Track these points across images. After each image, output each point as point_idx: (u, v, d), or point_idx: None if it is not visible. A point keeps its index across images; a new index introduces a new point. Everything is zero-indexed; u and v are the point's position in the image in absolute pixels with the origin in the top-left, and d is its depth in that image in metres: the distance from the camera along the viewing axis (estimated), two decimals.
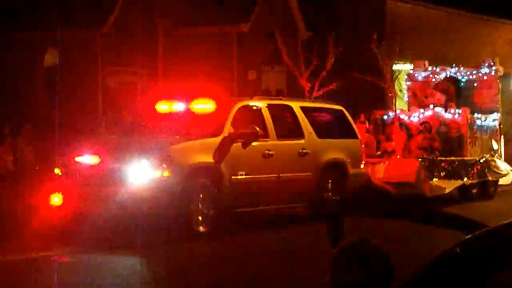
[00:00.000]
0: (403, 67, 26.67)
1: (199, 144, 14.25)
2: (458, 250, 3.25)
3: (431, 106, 21.65)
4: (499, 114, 22.42)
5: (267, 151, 15.27)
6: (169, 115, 15.50)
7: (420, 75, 23.00)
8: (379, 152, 20.42)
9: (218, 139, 14.38)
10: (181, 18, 25.34)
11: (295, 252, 13.00)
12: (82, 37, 23.31)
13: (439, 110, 21.43)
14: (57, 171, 14.04)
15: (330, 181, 16.68)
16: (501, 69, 22.55)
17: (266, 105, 15.69)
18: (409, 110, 22.00)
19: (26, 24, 23.54)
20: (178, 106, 15.45)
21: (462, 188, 20.34)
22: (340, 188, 16.83)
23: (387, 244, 3.73)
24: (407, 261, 4.27)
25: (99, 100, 23.46)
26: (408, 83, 23.20)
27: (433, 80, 22.76)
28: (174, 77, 24.03)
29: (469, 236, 3.33)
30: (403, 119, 21.64)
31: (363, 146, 20.03)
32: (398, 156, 19.93)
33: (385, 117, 21.84)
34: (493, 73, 22.48)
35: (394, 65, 26.54)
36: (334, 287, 3.46)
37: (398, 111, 22.05)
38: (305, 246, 13.47)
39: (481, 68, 22.69)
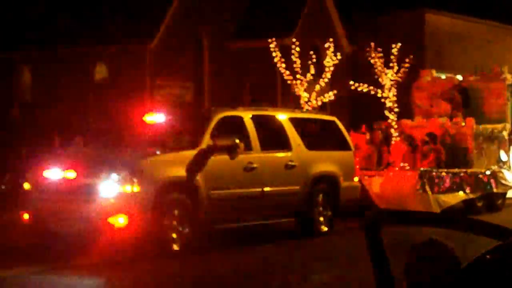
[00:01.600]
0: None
1: (173, 157, 13.64)
2: (488, 257, 3.38)
3: (436, 116, 20.90)
4: (508, 124, 21.59)
5: (249, 164, 14.62)
6: (150, 127, 14.95)
7: (427, 85, 22.25)
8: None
9: (194, 152, 13.77)
10: (226, 32, 26.28)
11: (269, 273, 12.35)
12: (131, 52, 24.43)
13: (444, 120, 20.67)
14: (26, 186, 13.51)
15: (320, 194, 16.00)
16: (509, 77, 21.73)
17: (251, 116, 15.05)
18: (412, 121, 21.24)
19: (77, 39, 24.75)
20: (158, 118, 14.89)
21: (468, 201, 19.53)
22: (331, 202, 16.15)
23: None
24: None
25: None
26: (416, 93, 22.45)
27: (441, 89, 22.02)
28: (219, 89, 24.98)
29: (501, 243, 3.47)
30: (407, 130, 20.92)
31: (366, 157, 19.38)
32: (396, 169, 19.18)
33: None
34: (501, 81, 21.67)
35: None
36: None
37: (403, 122, 21.29)
38: (281, 266, 12.82)
39: (490, 77, 21.90)
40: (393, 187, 18.19)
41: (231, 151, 14.05)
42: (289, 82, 20.00)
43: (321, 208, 16.01)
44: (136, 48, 24.45)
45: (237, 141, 14.06)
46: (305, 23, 27.89)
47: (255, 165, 14.71)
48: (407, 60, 19.10)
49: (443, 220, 4.57)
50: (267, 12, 27.62)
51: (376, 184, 18.31)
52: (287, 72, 19.76)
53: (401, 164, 19.11)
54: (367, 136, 19.93)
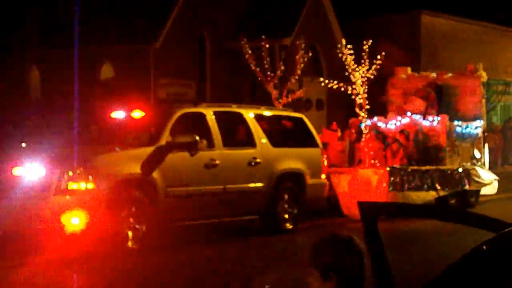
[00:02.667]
0: None
1: (130, 153, 13.49)
2: (485, 248, 3.46)
3: (409, 113, 20.74)
4: (482, 122, 21.44)
5: (211, 161, 14.46)
6: (112, 124, 14.81)
7: (402, 82, 22.10)
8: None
9: (151, 149, 13.61)
10: (227, 32, 26.90)
11: (225, 271, 12.21)
12: (135, 52, 25.32)
13: (417, 117, 20.51)
14: None
15: (285, 192, 15.84)
16: (484, 75, 21.58)
17: (212, 112, 14.90)
18: (386, 118, 21.06)
19: (83, 38, 24.78)
20: (119, 115, 14.74)
21: (440, 199, 19.38)
22: (297, 200, 16.00)
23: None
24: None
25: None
26: (390, 90, 22.29)
27: (416, 87, 21.86)
28: (221, 87, 25.80)
29: (496, 235, 3.58)
30: (380, 127, 20.77)
31: (337, 154, 19.25)
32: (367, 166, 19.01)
33: (362, 125, 20.96)
34: (476, 79, 21.51)
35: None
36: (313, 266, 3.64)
37: (375, 118, 21.12)
38: (239, 264, 12.67)
39: (464, 74, 21.75)
40: (362, 185, 18.02)
41: (191, 148, 13.91)
42: (261, 80, 19.84)
43: (286, 206, 15.86)
44: (140, 48, 25.28)
45: (197, 138, 13.92)
46: (303, 24, 28.42)
47: (217, 162, 14.56)
48: (378, 57, 18.92)
49: (438, 212, 4.65)
50: (267, 13, 28.19)
51: (344, 182, 18.15)
52: (272, 73, 19.61)
53: (372, 162, 18.95)
54: (339, 133, 19.77)
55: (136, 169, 13.21)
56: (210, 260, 12.99)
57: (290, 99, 19.44)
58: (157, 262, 12.71)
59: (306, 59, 20.02)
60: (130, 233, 13.09)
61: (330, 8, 29.88)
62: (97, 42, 25.60)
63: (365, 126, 19.18)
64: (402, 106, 21.32)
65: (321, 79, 19.48)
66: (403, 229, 15.64)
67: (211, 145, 14.61)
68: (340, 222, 17.56)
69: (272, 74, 19.76)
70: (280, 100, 19.36)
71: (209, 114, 14.80)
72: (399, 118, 20.69)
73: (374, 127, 20.65)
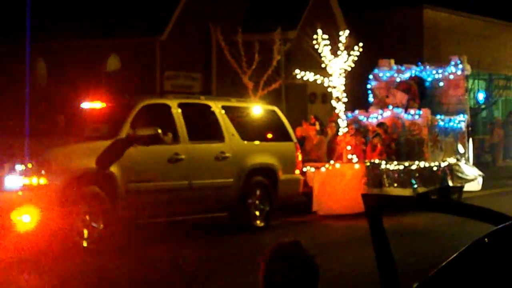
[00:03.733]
0: None
1: (87, 147, 12.74)
2: (486, 240, 3.57)
3: (390, 106, 20.04)
4: (466, 116, 20.73)
5: (175, 155, 13.73)
6: (71, 115, 14.08)
7: (385, 75, 21.38)
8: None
9: (110, 142, 12.87)
10: (232, 25, 26.38)
11: (184, 271, 11.50)
12: (142, 44, 25.56)
13: (399, 111, 19.80)
14: None
15: (256, 188, 15.12)
16: (468, 67, 20.86)
17: (178, 104, 14.15)
18: (367, 111, 20.36)
19: (90, 31, 25.58)
20: (81, 106, 14.00)
21: (420, 195, 18.68)
22: (269, 196, 15.28)
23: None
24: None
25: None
26: (374, 83, 21.57)
27: (398, 79, 21.15)
28: (227, 80, 25.32)
29: (497, 227, 3.66)
30: (361, 121, 20.09)
31: (315, 148, 18.57)
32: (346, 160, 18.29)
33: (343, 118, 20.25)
34: (459, 72, 20.79)
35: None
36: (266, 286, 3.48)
37: (356, 112, 20.42)
38: (203, 263, 11.96)
39: (448, 66, 21.03)
40: (338, 181, 17.30)
41: (153, 141, 13.19)
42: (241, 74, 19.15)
43: (257, 202, 15.15)
44: (146, 40, 25.38)
45: (159, 130, 13.20)
46: (308, 17, 28.35)
47: (181, 157, 13.83)
48: (356, 48, 18.21)
49: (442, 205, 4.66)
50: (272, 6, 28.29)
51: (320, 178, 17.42)
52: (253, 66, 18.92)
53: (349, 157, 18.24)
54: (317, 126, 19.04)
55: (93, 163, 12.46)
56: (170, 260, 12.26)
57: (266, 92, 18.69)
58: (113, 263, 11.97)
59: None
60: (85, 232, 12.34)
61: (335, 1, 30.11)
62: (104, 34, 25.84)
63: (345, 120, 18.48)
64: (384, 100, 20.61)
65: (297, 71, 18.64)
66: (407, 222, 15.13)
67: (176, 139, 13.88)
68: (313, 219, 16.86)
69: (247, 66, 19.04)
70: (257, 93, 18.62)
71: (174, 105, 14.06)
72: (380, 111, 20.00)
73: (355, 121, 19.98)
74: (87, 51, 26.23)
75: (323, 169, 17.50)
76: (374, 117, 19.95)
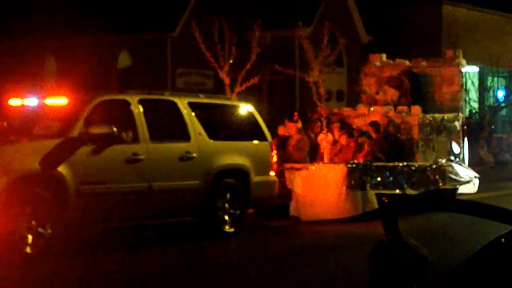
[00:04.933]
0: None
1: (33, 146, 11.83)
2: (503, 240, 3.70)
3: (381, 104, 19.02)
4: (461, 114, 19.68)
5: (133, 156, 12.80)
6: (20, 112, 13.17)
7: (376, 70, 20.36)
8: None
9: (60, 140, 11.96)
10: (245, 22, 26.08)
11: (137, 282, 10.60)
12: (153, 41, 25.32)
13: (388, 108, 18.77)
14: None
15: (226, 190, 14.17)
16: (463, 62, 19.80)
17: (138, 100, 13.21)
18: (354, 108, 19.35)
19: (102, 27, 25.19)
20: (29, 102, 13.10)
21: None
22: (240, 199, 14.33)
23: None
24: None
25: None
26: (364, 79, 20.56)
27: (390, 75, 20.12)
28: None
29: None
30: (347, 118, 19.07)
31: (296, 148, 17.62)
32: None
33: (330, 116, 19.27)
34: (454, 67, 19.75)
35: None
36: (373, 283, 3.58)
37: (343, 109, 19.43)
38: (158, 273, 11.04)
39: (442, 61, 19.99)
40: (318, 183, 16.30)
41: (108, 140, 12.29)
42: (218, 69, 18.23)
43: (227, 206, 14.20)
44: (159, 37, 25.26)
45: (114, 129, 12.28)
46: (323, 14, 28.55)
47: (141, 157, 12.90)
48: (340, 41, 17.24)
49: (459, 205, 4.53)
50: (286, 2, 28.33)
51: (299, 180, 16.43)
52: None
53: (335, 156, 17.26)
54: (299, 124, 18.04)
55: (37, 163, 11.55)
56: (122, 270, 11.34)
57: (244, 87, 17.74)
58: (57, 270, 11.07)
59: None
60: (30, 237, 11.43)
61: None
62: (115, 31, 25.65)
63: (327, 117, 17.50)
64: (374, 97, 19.59)
65: (276, 66, 17.68)
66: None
67: (135, 138, 12.96)
68: (292, 224, 15.89)
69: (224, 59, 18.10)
70: (234, 89, 17.68)
71: (134, 102, 13.13)
72: (371, 109, 18.98)
73: (342, 119, 18.99)
74: (98, 47, 25.90)
75: (303, 170, 16.52)
76: (361, 115, 18.95)
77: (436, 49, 31.54)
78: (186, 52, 25.13)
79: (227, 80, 17.47)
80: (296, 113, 18.20)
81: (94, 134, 12.12)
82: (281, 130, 18.15)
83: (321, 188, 16.16)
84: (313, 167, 16.58)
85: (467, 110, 34.41)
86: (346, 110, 19.27)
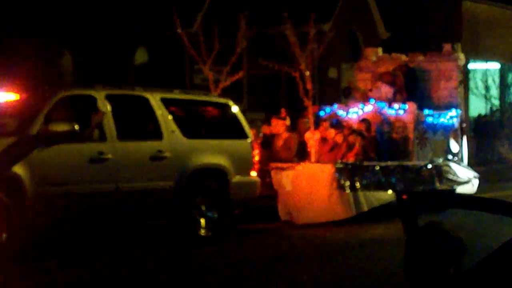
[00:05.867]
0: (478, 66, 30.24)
1: None
2: None
3: (372, 100, 18.11)
4: (459, 111, 18.73)
5: (98, 155, 11.95)
6: None
7: (371, 65, 19.45)
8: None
9: (15, 139, 11.12)
10: (264, 17, 26.14)
11: None
12: (170, 37, 23.97)
13: (382, 105, 17.86)
14: None
15: (202, 192, 13.30)
16: (462, 57, 18.86)
17: (105, 95, 12.35)
18: (346, 105, 18.43)
19: (118, 23, 25.07)
20: None
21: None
22: (218, 202, 13.46)
23: None
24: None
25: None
26: (358, 74, 19.65)
27: (386, 70, 19.19)
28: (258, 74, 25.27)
29: None
30: (340, 116, 18.18)
31: (284, 147, 16.76)
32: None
33: (322, 113, 18.39)
34: (452, 61, 18.81)
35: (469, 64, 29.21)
36: (409, 268, 3.70)
37: (335, 106, 18.52)
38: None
39: (439, 55, 19.04)
40: (307, 183, 15.43)
41: (69, 138, 11.45)
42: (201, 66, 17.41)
43: (203, 208, 13.34)
44: (176, 33, 24.05)
45: (76, 126, 11.44)
46: (342, 10, 28.35)
47: (107, 156, 12.04)
48: (327, 34, 16.35)
49: (481, 203, 4.46)
50: None
51: (286, 180, 15.54)
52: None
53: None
54: (287, 122, 17.13)
55: None
56: (80, 279, 10.49)
57: (228, 83, 16.87)
58: (14, 277, 10.22)
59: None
60: None
61: None
62: (132, 26, 25.21)
63: (315, 114, 16.61)
64: (367, 93, 18.67)
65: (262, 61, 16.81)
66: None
67: (102, 136, 12.11)
68: (277, 227, 15.02)
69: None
70: (218, 84, 16.80)
71: (101, 98, 12.27)
72: (361, 106, 18.08)
73: (334, 116, 18.11)
74: (115, 43, 25.50)
75: (290, 170, 15.64)
76: (354, 112, 18.05)
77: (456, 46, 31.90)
78: (203, 48, 25.13)
79: (210, 76, 16.57)
80: (283, 110, 17.27)
81: (54, 131, 11.28)
82: (266, 129, 17.27)
83: (309, 189, 15.28)
84: (300, 167, 15.69)
85: (488, 107, 33.87)
86: (338, 107, 18.34)
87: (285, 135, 16.88)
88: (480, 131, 32.64)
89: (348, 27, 28.52)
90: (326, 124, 17.23)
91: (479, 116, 33.46)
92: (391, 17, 30.32)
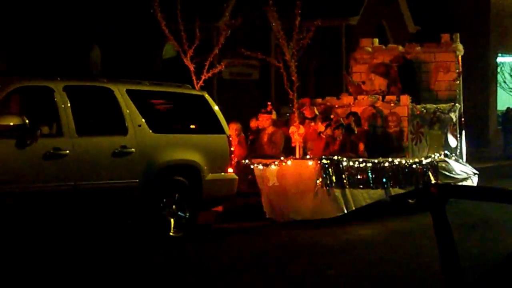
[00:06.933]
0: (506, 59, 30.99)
1: None
2: None
3: (365, 93, 17.20)
4: (458, 104, 17.77)
5: (54, 151, 11.13)
6: None
7: (367, 56, 18.52)
8: None
9: None
10: (292, 11, 24.74)
11: None
12: (199, 30, 22.32)
13: (374, 98, 16.93)
14: None
15: (172, 190, 12.48)
16: (460, 47, 17.88)
17: (63, 87, 11.52)
18: (338, 98, 17.52)
19: (146, 17, 23.15)
20: None
21: (395, 197, 15.82)
22: (190, 200, 12.63)
23: None
24: None
25: (214, 92, 24.00)
26: (353, 66, 18.73)
27: (382, 61, 18.27)
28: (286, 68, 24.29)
29: None
30: (331, 109, 17.27)
31: (270, 142, 15.92)
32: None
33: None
34: (451, 52, 17.85)
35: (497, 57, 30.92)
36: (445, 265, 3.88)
37: (326, 99, 17.62)
38: None
39: (437, 46, 18.08)
40: (291, 180, 14.55)
41: (19, 133, 10.65)
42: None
43: (174, 207, 12.52)
44: (204, 26, 23.63)
45: (26, 120, 10.65)
46: (370, 3, 28.32)
47: (65, 152, 11.23)
48: (315, 23, 15.46)
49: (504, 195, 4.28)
50: None
51: (271, 177, 14.67)
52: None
53: (308, 151, 15.47)
54: (273, 115, 16.26)
55: None
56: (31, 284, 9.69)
57: (211, 74, 16.02)
58: None
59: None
60: None
61: None
62: (161, 20, 24.54)
63: (298, 109, 15.70)
64: (360, 86, 17.76)
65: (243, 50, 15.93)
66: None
67: (58, 131, 11.30)
68: (259, 227, 14.16)
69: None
70: (201, 76, 15.94)
71: (59, 89, 11.45)
72: (353, 99, 17.17)
73: (325, 109, 17.22)
74: (144, 37, 25.08)
75: (273, 166, 14.77)
76: (346, 106, 17.14)
77: (484, 40, 32.09)
78: (232, 42, 24.49)
79: (191, 67, 15.71)
80: (270, 103, 16.40)
81: (2, 126, 10.48)
82: (253, 123, 16.40)
83: (294, 186, 14.41)
84: (284, 163, 14.81)
85: None
86: (329, 100, 17.44)
87: (271, 129, 16.01)
88: (509, 125, 32.16)
89: (376, 21, 28.56)
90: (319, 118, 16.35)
91: (508, 109, 32.81)
92: (420, 11, 30.28)
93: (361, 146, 15.85)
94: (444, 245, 3.98)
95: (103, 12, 25.46)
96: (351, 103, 17.03)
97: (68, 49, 25.15)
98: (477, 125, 31.11)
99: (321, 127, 16.26)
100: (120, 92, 12.16)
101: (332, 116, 16.29)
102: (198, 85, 15.59)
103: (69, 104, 11.39)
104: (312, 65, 27.08)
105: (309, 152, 15.80)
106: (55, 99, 11.32)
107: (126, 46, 25.53)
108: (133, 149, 12.00)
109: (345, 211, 14.46)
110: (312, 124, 16.06)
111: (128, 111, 12.11)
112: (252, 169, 14.82)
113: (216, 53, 16.26)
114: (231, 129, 15.67)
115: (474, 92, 30.53)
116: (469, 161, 18.41)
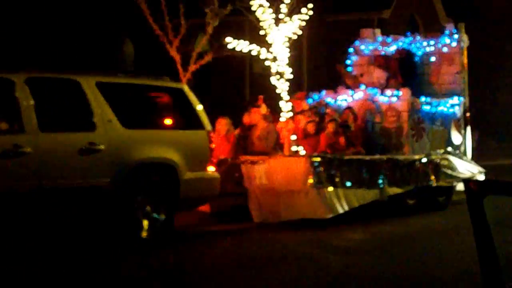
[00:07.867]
0: None
1: None
2: None
3: (362, 86, 16.32)
4: (462, 98, 16.83)
5: (14, 148, 10.35)
6: None
7: (367, 48, 17.63)
8: None
9: None
10: (326, 5, 25.69)
11: None
12: (230, 24, 23.12)
13: (373, 91, 16.05)
14: None
15: (146, 189, 11.66)
16: (465, 38, 16.93)
17: (25, 80, 10.73)
18: (335, 92, 16.64)
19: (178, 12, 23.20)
20: None
21: (393, 197, 14.93)
22: (166, 201, 11.81)
23: None
24: None
25: (247, 87, 24.43)
26: (354, 58, 17.82)
27: (383, 53, 17.38)
28: (317, 61, 25.44)
29: None
30: (329, 104, 16.42)
31: (262, 137, 15.10)
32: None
33: (309, 100, 16.67)
34: (454, 44, 16.90)
35: None
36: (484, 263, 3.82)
37: (323, 93, 16.78)
38: None
39: (441, 37, 17.15)
40: (280, 178, 13.71)
41: None
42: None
43: (148, 209, 11.70)
44: (235, 20, 22.96)
45: None
46: None
47: (26, 150, 10.45)
48: (306, 8, 14.58)
49: None
50: None
51: (259, 174, 13.84)
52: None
53: (296, 148, 14.61)
54: (263, 110, 15.40)
55: None
56: None
57: (198, 66, 15.19)
58: None
59: None
60: None
61: None
62: (193, 15, 24.02)
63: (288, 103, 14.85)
64: (359, 79, 16.88)
65: (229, 39, 15.09)
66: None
67: (19, 126, 10.52)
68: (243, 229, 13.33)
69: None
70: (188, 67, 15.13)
71: (20, 82, 10.66)
72: (350, 92, 16.31)
73: (322, 104, 16.37)
74: (176, 31, 24.49)
75: (260, 164, 13.93)
76: (343, 100, 16.28)
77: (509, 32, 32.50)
78: (263, 35, 24.27)
79: (177, 58, 14.87)
80: (261, 97, 15.55)
81: None
82: (246, 118, 15.57)
83: (283, 185, 13.57)
84: (272, 160, 13.97)
85: None
86: (326, 93, 16.57)
87: (262, 125, 15.16)
88: None
89: (409, 14, 28.64)
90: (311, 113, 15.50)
91: None
92: (453, 3, 30.34)
93: (358, 143, 15.00)
94: (482, 243, 3.90)
95: (137, 6, 25.29)
96: (348, 96, 16.18)
97: (100, 44, 25.12)
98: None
99: (302, 121, 15.41)
100: (88, 84, 11.34)
101: (328, 111, 15.45)
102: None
103: (31, 98, 10.60)
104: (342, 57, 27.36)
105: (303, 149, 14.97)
106: (16, 93, 10.53)
107: (157, 41, 25.35)
108: (102, 146, 11.20)
109: (339, 212, 13.61)
110: (298, 117, 15.21)
111: (97, 105, 11.30)
112: (240, 167, 14.02)
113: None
114: (220, 124, 14.89)
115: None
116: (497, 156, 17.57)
